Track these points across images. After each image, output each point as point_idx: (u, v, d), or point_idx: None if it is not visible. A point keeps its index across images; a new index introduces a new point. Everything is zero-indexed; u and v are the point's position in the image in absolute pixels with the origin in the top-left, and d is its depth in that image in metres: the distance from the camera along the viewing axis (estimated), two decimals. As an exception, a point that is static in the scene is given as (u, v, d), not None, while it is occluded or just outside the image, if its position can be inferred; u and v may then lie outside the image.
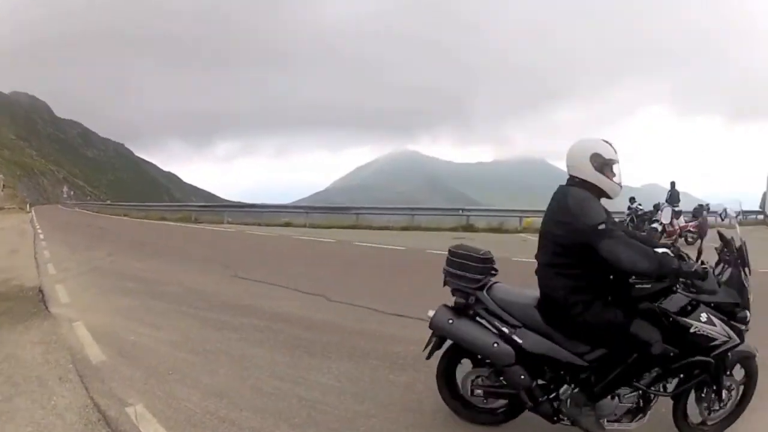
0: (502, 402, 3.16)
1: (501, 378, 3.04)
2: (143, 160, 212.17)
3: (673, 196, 17.47)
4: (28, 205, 47.75)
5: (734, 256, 2.93)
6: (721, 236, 3.12)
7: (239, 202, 31.19)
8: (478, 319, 3.09)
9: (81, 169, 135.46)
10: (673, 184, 18.08)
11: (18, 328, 5.25)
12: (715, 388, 2.96)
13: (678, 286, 2.81)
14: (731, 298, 2.81)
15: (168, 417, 3.32)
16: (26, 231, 19.25)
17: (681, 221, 15.77)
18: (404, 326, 5.36)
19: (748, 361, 3.06)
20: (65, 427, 3.20)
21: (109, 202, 60.59)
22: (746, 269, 2.89)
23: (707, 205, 17.74)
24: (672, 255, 2.79)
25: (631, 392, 2.88)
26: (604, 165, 2.89)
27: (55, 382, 3.85)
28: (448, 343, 3.22)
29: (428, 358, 3.24)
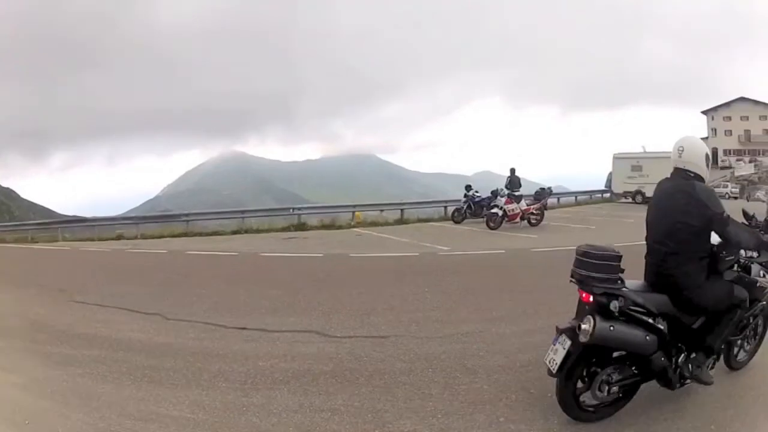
0: (614, 391, 3.41)
1: (633, 368, 3.43)
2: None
3: (514, 182, 18.72)
4: None
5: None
6: (745, 213, 4.28)
7: (74, 217, 29.38)
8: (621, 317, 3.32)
9: None
10: (513, 170, 19.22)
11: None
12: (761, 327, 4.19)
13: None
14: None
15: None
16: None
17: (523, 204, 17.00)
18: (247, 340, 5.49)
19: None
20: None
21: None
22: None
23: (549, 188, 19.20)
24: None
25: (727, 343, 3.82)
26: (709, 162, 3.58)
27: None
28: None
29: (558, 372, 3.36)
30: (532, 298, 7.08)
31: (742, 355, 4.17)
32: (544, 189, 18.74)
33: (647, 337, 3.29)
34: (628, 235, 14.98)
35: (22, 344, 5.79)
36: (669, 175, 3.66)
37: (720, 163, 59.45)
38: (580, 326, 3.24)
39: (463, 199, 19.27)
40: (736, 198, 41.67)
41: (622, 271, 3.40)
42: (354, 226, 18.45)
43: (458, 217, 18.91)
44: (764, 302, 4.01)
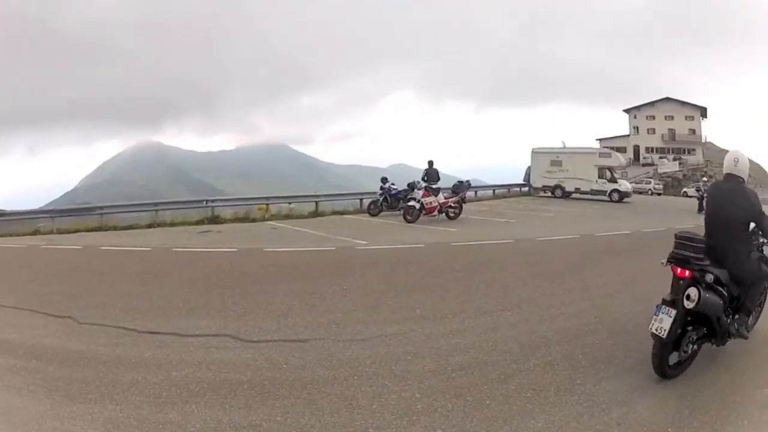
0: (693, 349, 4.40)
1: (704, 329, 4.39)
2: None
3: (431, 175, 19.07)
4: None
5: None
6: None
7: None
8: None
9: None
10: (430, 163, 19.66)
11: None
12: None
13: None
14: None
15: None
16: None
17: (441, 197, 17.24)
18: (160, 346, 5.20)
19: None
20: None
21: None
22: None
23: (467, 181, 19.92)
24: None
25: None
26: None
27: None
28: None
29: (668, 336, 4.13)
30: (456, 295, 7.00)
31: (751, 321, 5.03)
32: (462, 182, 18.90)
33: (722, 303, 4.28)
34: (549, 229, 15.81)
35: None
36: (723, 179, 4.69)
37: (642, 160, 64.10)
38: (688, 296, 4.11)
39: (379, 192, 19.12)
40: (659, 194, 45.23)
41: None
42: (268, 219, 18.03)
43: (374, 209, 18.76)
44: None
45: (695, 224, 17.86)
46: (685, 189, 47.44)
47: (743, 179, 4.60)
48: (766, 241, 4.88)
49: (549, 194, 30.18)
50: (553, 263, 9.75)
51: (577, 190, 29.35)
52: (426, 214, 16.74)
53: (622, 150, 47.67)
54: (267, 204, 19.77)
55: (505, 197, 29.74)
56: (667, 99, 67.00)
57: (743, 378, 4.43)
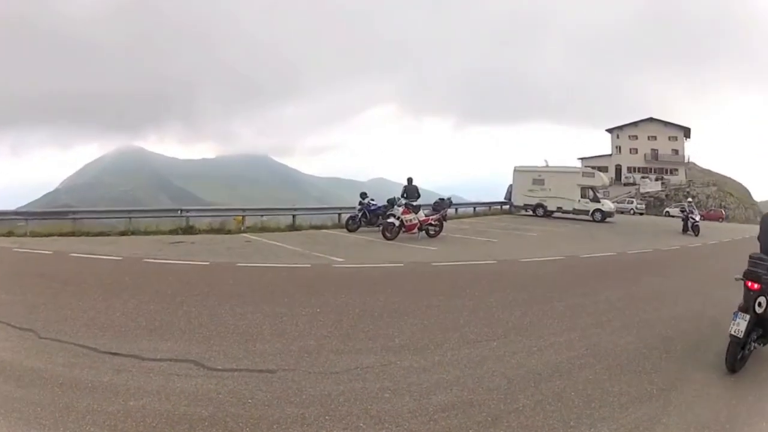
0: (754, 347, 5.47)
1: (761, 330, 5.41)
2: None
3: (410, 192, 18.81)
4: None
5: None
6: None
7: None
8: None
9: None
10: (410, 180, 19.47)
11: None
12: None
13: None
14: None
15: None
16: None
17: (421, 215, 17.00)
18: (118, 370, 4.89)
19: None
20: None
21: None
22: None
23: (449, 198, 19.73)
24: None
25: None
26: None
27: None
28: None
29: (744, 337, 5.20)
30: (438, 322, 6.67)
31: None
32: (443, 199, 18.72)
33: None
34: (532, 250, 15.64)
35: None
36: None
37: (624, 180, 64.93)
38: (759, 303, 5.18)
39: (358, 207, 18.81)
40: (641, 214, 45.80)
41: None
42: (244, 231, 17.75)
43: (352, 225, 18.45)
44: None
45: (681, 245, 18.32)
46: (667, 209, 48.19)
47: None
48: None
49: (530, 213, 30.20)
50: (538, 287, 9.46)
51: (559, 209, 29.44)
52: (406, 231, 16.44)
53: (603, 169, 48.28)
54: (243, 216, 19.43)
55: (485, 215, 29.73)
56: (651, 119, 68.47)
57: None
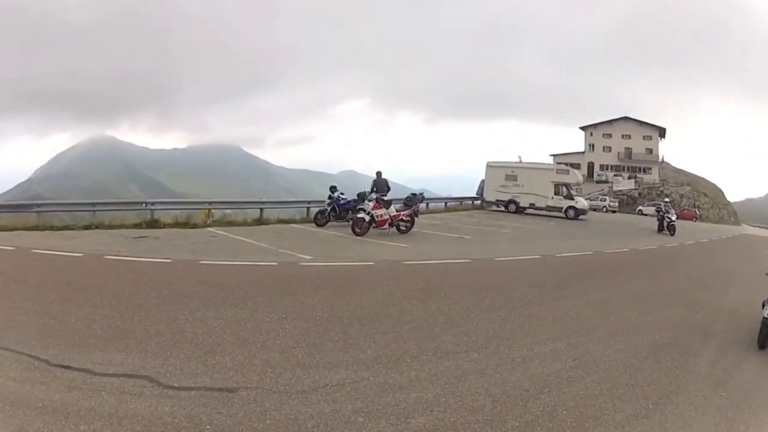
0: None
1: None
2: None
3: (380, 185, 18.47)
4: None
5: None
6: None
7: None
8: None
9: None
10: (379, 174, 19.24)
11: None
12: None
13: None
14: None
15: None
16: None
17: (392, 210, 16.68)
18: (70, 387, 4.47)
19: None
20: None
21: None
22: None
23: (421, 193, 19.51)
24: None
25: None
26: None
27: None
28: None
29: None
30: (413, 330, 6.27)
31: None
32: (416, 194, 18.34)
33: None
34: (507, 248, 15.47)
35: None
36: None
37: (596, 177, 65.68)
38: None
39: (327, 201, 18.34)
40: (614, 212, 46.47)
41: None
42: (209, 225, 17.15)
43: (321, 219, 17.98)
44: None
45: (658, 245, 18.39)
46: (640, 207, 49.03)
47: None
48: None
49: (502, 209, 30.16)
50: (517, 289, 9.15)
51: (532, 206, 29.50)
52: (376, 227, 16.03)
53: (576, 166, 48.64)
54: (210, 209, 18.82)
55: (456, 210, 29.53)
56: (626, 118, 69.51)
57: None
